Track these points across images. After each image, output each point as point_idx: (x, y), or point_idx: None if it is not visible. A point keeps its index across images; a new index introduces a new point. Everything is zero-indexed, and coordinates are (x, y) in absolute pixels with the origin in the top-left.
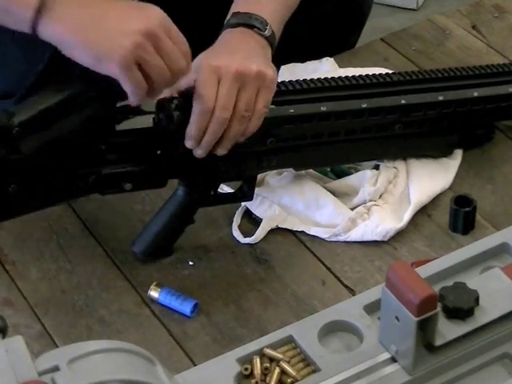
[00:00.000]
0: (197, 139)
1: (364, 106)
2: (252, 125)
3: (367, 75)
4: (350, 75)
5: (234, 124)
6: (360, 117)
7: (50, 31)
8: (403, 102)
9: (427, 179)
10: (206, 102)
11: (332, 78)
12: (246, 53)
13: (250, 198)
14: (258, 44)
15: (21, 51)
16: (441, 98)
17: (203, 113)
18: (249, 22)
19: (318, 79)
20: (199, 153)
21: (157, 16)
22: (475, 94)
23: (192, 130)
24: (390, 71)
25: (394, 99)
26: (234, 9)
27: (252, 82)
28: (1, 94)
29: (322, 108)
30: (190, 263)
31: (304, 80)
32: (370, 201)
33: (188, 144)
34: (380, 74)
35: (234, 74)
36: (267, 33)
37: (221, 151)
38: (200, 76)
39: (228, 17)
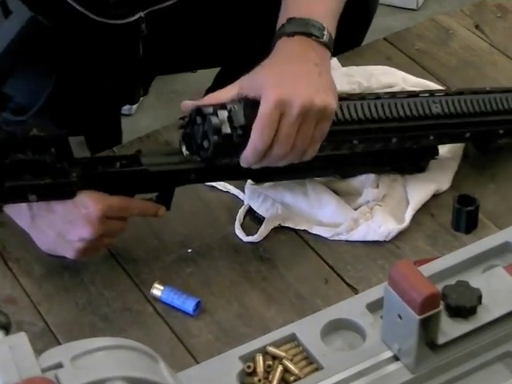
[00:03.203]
0: (255, 163)
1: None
2: (308, 154)
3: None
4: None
5: (290, 156)
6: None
7: None
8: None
9: (425, 178)
10: (266, 137)
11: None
12: (309, 80)
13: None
14: (318, 55)
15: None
16: (467, 136)
17: (263, 146)
18: (306, 31)
19: None
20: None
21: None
22: (501, 132)
23: (249, 157)
24: (393, 68)
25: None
26: (285, 13)
27: (314, 116)
28: (17, 109)
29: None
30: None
31: None
32: (373, 201)
33: (243, 164)
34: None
35: (299, 112)
36: (325, 39)
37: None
38: (263, 107)
39: (280, 21)
